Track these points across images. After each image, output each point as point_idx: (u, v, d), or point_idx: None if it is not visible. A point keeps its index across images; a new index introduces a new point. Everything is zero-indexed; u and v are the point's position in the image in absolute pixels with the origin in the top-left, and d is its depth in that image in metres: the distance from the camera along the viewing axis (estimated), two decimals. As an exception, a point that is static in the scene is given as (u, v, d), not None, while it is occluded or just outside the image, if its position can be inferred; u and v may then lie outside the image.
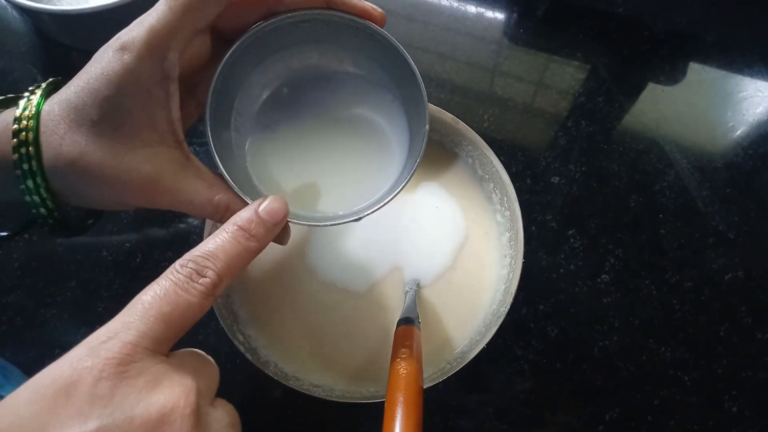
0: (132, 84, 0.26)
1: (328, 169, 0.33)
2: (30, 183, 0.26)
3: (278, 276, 0.42)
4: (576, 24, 0.55)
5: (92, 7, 0.45)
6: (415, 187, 0.44)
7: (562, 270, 0.46)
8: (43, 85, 0.28)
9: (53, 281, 0.45)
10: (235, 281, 0.42)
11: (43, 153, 0.26)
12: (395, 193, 0.29)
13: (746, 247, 0.46)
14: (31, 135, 0.26)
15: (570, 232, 0.47)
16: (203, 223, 0.40)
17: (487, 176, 0.42)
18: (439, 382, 0.35)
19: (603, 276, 0.45)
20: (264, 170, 0.33)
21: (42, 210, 0.27)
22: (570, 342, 0.44)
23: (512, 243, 0.40)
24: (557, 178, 0.48)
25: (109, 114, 0.26)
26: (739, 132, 0.51)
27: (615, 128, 0.51)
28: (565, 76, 0.53)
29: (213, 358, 0.39)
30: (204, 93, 0.29)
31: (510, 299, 0.37)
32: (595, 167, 0.49)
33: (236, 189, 0.28)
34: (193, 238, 0.46)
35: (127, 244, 0.46)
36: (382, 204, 0.30)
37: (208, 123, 0.28)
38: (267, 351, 0.39)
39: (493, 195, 0.42)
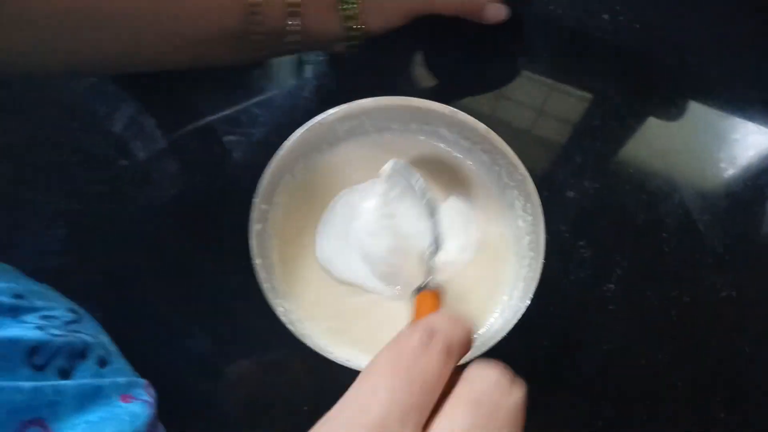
0: None
1: None
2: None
3: (307, 259, 0.46)
4: (591, 55, 0.59)
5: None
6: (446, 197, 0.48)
7: (572, 276, 0.49)
8: None
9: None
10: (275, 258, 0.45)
11: None
12: None
13: (739, 269, 0.50)
14: None
15: (581, 242, 0.50)
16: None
17: (512, 184, 0.46)
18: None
19: (609, 285, 0.49)
20: None
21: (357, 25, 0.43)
22: (574, 344, 0.47)
23: (532, 245, 0.44)
24: (572, 193, 0.52)
25: None
26: (739, 163, 0.55)
27: (627, 151, 0.55)
28: (580, 103, 0.57)
29: (253, 335, 0.42)
30: None
31: (530, 295, 0.40)
32: (607, 185, 0.53)
33: None
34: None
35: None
36: None
37: None
38: (301, 324, 0.42)
39: (516, 201, 0.46)
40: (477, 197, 0.48)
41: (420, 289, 0.37)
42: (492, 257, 0.46)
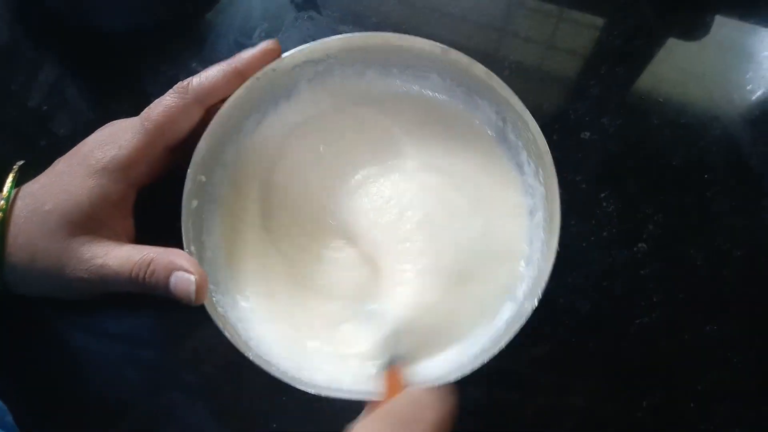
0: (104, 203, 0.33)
1: None
2: None
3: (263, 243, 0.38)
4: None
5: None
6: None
7: (593, 237, 0.40)
8: (11, 177, 0.34)
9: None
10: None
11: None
12: None
13: (804, 211, 0.41)
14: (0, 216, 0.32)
15: (603, 194, 0.41)
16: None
17: (521, 143, 0.36)
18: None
19: (641, 244, 0.40)
20: None
21: None
22: (604, 319, 0.39)
23: (546, 226, 0.34)
24: (588, 133, 0.43)
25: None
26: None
27: (655, 76, 0.45)
28: (591, 30, 0.47)
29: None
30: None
31: (540, 292, 0.32)
32: (632, 121, 0.43)
33: None
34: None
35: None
36: None
37: None
38: (254, 332, 0.34)
39: (527, 166, 0.36)
40: (474, 160, 0.38)
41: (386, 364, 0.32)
42: (495, 241, 0.37)
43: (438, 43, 0.36)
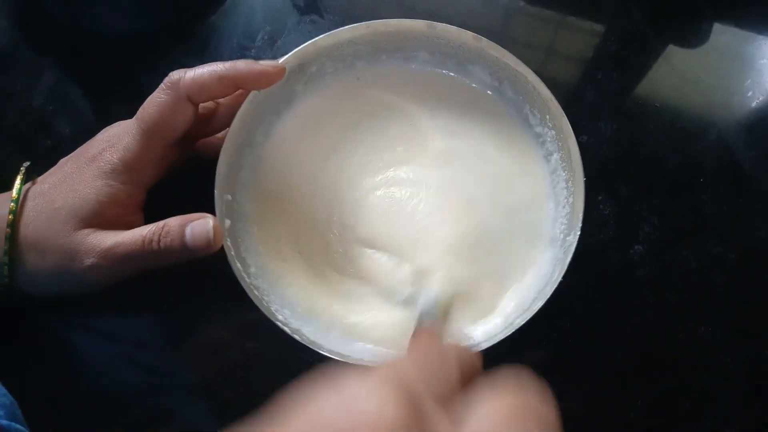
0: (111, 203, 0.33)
1: None
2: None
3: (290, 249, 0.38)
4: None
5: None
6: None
7: (590, 240, 0.40)
8: (19, 179, 0.34)
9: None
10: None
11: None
12: None
13: (796, 215, 0.41)
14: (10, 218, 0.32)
15: (599, 197, 0.42)
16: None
17: (521, 97, 0.38)
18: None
19: (636, 246, 0.40)
20: None
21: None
22: (599, 319, 0.39)
23: (565, 164, 0.36)
24: (585, 137, 0.43)
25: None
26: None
27: (651, 81, 0.45)
28: (591, 36, 0.47)
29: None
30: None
31: (579, 224, 0.34)
32: (628, 125, 0.44)
33: None
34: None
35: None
36: None
37: None
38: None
39: (532, 117, 0.38)
40: (482, 125, 0.40)
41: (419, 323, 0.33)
42: (517, 196, 0.38)
43: (421, 20, 0.37)
